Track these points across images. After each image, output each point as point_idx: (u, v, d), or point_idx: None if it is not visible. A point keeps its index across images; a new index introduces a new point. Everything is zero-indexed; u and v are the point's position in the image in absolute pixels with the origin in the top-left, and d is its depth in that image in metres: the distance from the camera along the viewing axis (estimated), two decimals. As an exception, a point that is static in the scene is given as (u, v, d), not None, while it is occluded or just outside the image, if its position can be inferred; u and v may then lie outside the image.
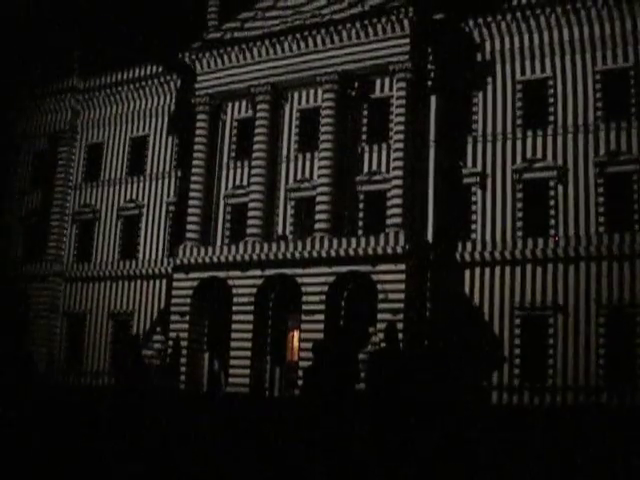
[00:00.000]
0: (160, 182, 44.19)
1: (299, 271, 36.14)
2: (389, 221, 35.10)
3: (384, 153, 37.10)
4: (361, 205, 37.45)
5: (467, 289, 34.26)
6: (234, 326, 37.42)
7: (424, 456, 10.56)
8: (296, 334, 37.06)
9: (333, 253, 35.38)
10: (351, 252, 34.98)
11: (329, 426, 11.37)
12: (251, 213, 38.56)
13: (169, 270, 41.00)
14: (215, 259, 38.36)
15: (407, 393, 11.49)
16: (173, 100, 44.86)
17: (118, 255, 44.85)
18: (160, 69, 44.91)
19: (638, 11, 33.07)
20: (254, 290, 37.15)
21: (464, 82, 36.46)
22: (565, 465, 12.08)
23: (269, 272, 36.99)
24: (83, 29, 46.86)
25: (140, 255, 43.90)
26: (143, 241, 44.13)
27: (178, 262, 39.37)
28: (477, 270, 34.40)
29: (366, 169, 37.59)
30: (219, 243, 40.09)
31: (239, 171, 41.03)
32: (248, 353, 36.64)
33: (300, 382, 30.25)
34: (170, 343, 38.20)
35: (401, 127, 35.58)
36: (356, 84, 38.25)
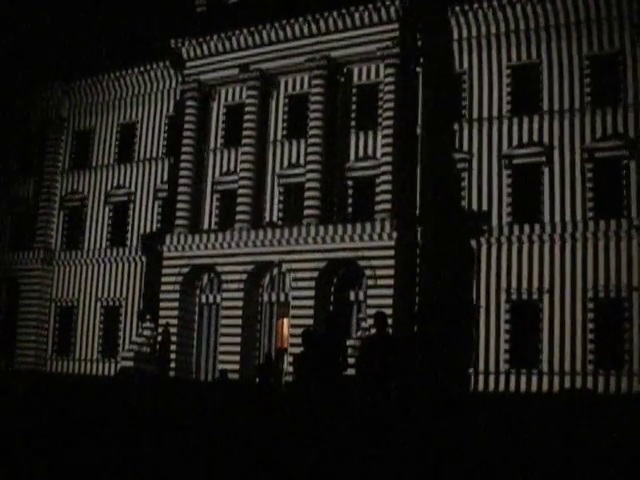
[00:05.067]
0: (150, 168, 44.08)
1: (288, 260, 36.25)
2: (378, 207, 35.22)
3: (373, 139, 37.14)
4: (350, 191, 37.50)
5: (458, 272, 34.30)
6: (223, 313, 37.63)
7: (415, 437, 10.69)
8: (286, 321, 37.18)
9: (322, 240, 35.47)
10: (340, 239, 35.07)
11: (320, 411, 11.47)
12: (240, 199, 38.61)
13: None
14: (204, 246, 38.43)
15: (397, 378, 11.59)
16: (163, 86, 44.68)
17: (107, 242, 44.77)
18: (149, 55, 44.65)
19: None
20: (244, 277, 37.26)
21: (452, 67, 36.46)
22: (550, 450, 12.26)
23: (258, 259, 37.08)
24: (71, 14, 46.52)
25: (129, 241, 43.84)
26: (132, 228, 44.05)
27: (167, 249, 39.42)
28: (469, 253, 34.46)
29: (355, 155, 37.64)
30: (208, 229, 40.09)
31: (228, 157, 41.01)
32: (238, 339, 36.81)
33: (290, 369, 30.41)
34: (160, 330, 38.27)
35: (390, 113, 35.67)
36: (345, 70, 38.25)
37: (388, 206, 34.91)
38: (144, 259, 42.75)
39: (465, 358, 32.92)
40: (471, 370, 32.96)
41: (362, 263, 34.51)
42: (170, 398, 23.61)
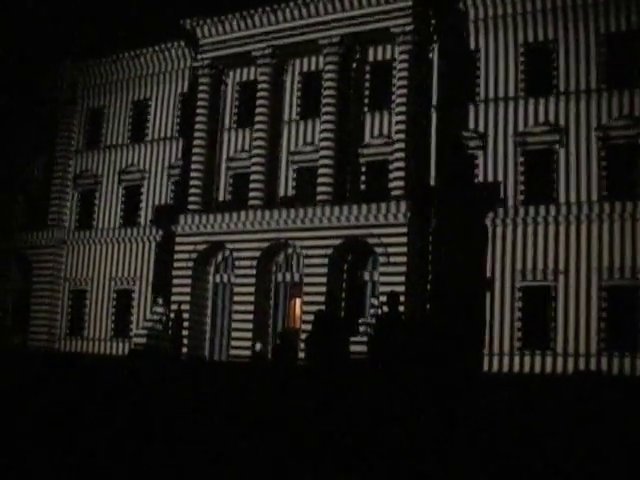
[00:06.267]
0: (163, 148, 44.04)
1: (301, 240, 36.18)
2: (392, 187, 35.08)
3: (386, 119, 36.99)
4: (363, 171, 37.39)
5: (471, 253, 34.16)
6: (236, 293, 37.66)
7: (427, 420, 10.64)
8: (298, 301, 37.19)
9: (335, 221, 35.38)
10: (353, 220, 34.96)
11: (329, 393, 11.44)
12: (253, 179, 38.54)
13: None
14: (217, 226, 38.40)
15: (409, 359, 11.55)
16: (177, 65, 44.54)
17: (120, 221, 44.79)
18: (163, 34, 44.49)
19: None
20: (257, 257, 37.21)
21: (467, 46, 36.18)
22: (560, 429, 12.18)
23: (271, 238, 37.02)
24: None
25: (142, 221, 43.86)
26: (145, 207, 44.07)
27: (180, 229, 39.42)
28: (482, 234, 34.29)
29: (368, 135, 37.49)
30: (221, 208, 40.00)
31: (241, 137, 40.94)
32: (250, 322, 36.81)
33: (302, 349, 30.38)
34: (172, 310, 38.29)
35: (404, 92, 35.44)
36: (358, 49, 38.03)
37: (402, 186, 34.75)
38: (157, 238, 42.78)
39: (478, 339, 32.86)
40: (485, 351, 32.90)
41: (376, 245, 34.40)
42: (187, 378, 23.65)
